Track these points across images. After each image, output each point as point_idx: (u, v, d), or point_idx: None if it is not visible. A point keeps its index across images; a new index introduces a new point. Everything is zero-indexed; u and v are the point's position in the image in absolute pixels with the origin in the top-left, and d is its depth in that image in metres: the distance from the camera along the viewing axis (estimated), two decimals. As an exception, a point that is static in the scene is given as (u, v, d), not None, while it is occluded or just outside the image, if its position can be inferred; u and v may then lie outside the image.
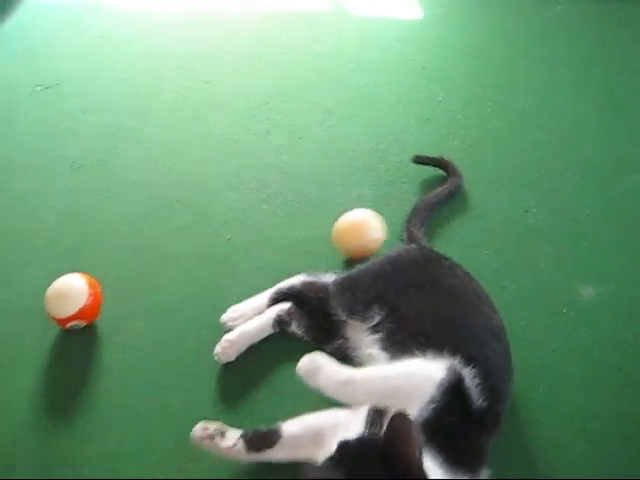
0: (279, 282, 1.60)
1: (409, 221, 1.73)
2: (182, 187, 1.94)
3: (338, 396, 1.23)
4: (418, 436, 1.07)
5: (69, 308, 1.51)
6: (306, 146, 2.07)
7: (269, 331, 1.54)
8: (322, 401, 1.28)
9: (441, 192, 1.82)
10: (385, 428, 1.09)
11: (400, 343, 1.33)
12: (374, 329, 1.40)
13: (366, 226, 1.67)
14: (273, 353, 1.52)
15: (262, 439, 1.31)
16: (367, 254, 1.64)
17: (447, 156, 1.94)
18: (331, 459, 1.13)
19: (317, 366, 1.24)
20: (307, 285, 1.55)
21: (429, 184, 1.90)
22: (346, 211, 1.71)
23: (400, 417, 1.07)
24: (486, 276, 1.52)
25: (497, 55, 2.47)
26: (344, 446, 1.14)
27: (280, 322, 1.53)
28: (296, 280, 1.58)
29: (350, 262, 1.64)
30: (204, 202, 1.90)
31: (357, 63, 2.41)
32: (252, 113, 2.20)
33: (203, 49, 2.51)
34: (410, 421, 1.06)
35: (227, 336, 1.50)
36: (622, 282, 1.70)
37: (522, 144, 2.08)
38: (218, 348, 1.49)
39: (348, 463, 1.12)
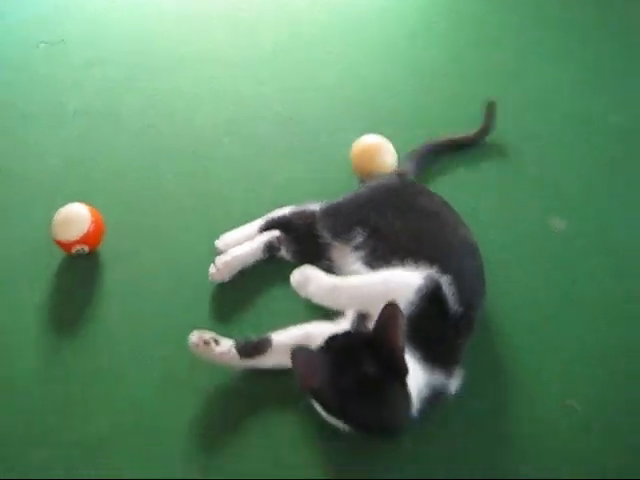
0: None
1: (408, 155, 1.84)
2: (182, 133, 2.05)
3: (326, 302, 1.36)
4: (404, 325, 1.19)
5: (74, 233, 1.62)
6: (304, 96, 2.19)
7: (259, 256, 1.64)
8: (309, 319, 1.41)
9: (458, 137, 1.94)
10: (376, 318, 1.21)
11: (381, 258, 1.44)
12: (357, 248, 1.51)
13: (379, 150, 1.82)
14: (263, 277, 1.62)
15: (254, 347, 1.42)
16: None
17: (432, 105, 2.05)
18: (319, 348, 1.25)
19: (307, 276, 1.37)
20: (296, 214, 1.66)
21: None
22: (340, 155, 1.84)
23: (392, 305, 1.20)
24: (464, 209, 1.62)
25: (473, 16, 2.66)
26: (332, 337, 1.26)
27: (270, 248, 1.64)
28: (285, 210, 1.69)
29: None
30: (202, 146, 2.00)
31: (353, 23, 2.57)
32: (249, 65, 2.33)
33: (209, 10, 2.65)
34: (400, 310, 1.18)
35: (221, 258, 1.60)
36: (593, 215, 1.81)
37: (501, 97, 2.19)
38: (212, 269, 1.59)
39: (335, 350, 1.24)
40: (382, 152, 1.82)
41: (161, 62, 2.36)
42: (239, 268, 1.62)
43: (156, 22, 2.59)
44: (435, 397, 1.29)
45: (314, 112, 2.13)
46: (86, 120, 2.10)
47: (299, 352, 1.22)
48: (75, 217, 1.63)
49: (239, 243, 1.65)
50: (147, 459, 1.30)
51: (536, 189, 1.87)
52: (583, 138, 2.06)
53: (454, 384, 1.32)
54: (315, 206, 1.65)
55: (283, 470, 1.28)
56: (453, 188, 1.79)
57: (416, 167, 1.83)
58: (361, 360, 1.22)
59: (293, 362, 1.20)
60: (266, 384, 1.40)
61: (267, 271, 1.64)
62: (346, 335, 1.29)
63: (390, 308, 1.20)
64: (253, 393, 1.40)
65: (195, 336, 1.41)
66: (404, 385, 1.22)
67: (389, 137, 1.85)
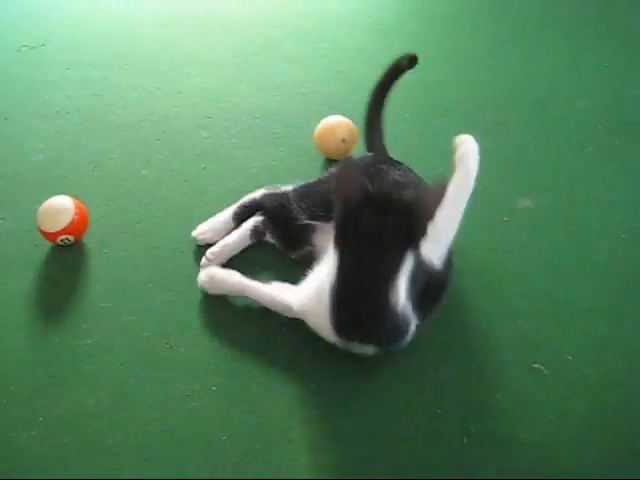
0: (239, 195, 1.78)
1: (367, 131, 1.87)
2: (160, 128, 2.12)
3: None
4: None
5: (58, 223, 1.68)
6: (272, 92, 2.27)
7: (247, 242, 1.70)
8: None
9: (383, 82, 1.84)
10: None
11: None
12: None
13: (339, 127, 1.94)
14: (251, 263, 1.69)
15: None
16: (342, 154, 1.90)
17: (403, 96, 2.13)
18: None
19: (212, 276, 1.57)
20: (267, 196, 1.73)
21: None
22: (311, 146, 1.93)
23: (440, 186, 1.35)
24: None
25: (443, 14, 2.74)
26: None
27: (256, 232, 1.70)
28: (256, 193, 1.75)
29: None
30: (180, 139, 2.07)
31: (321, 22, 2.64)
32: (224, 65, 2.41)
33: (182, 12, 2.74)
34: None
35: (211, 249, 1.66)
36: (557, 194, 1.89)
37: (469, 85, 2.28)
38: (204, 260, 1.65)
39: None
40: (342, 129, 1.92)
41: (140, 63, 2.43)
42: (229, 257, 1.68)
43: (135, 25, 2.67)
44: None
45: (288, 106, 2.21)
46: (68, 119, 2.15)
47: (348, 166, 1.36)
48: (59, 208, 1.69)
49: (215, 231, 1.71)
50: (131, 434, 1.35)
51: (506, 171, 1.95)
52: (552, 122, 2.15)
53: None
54: (288, 187, 1.71)
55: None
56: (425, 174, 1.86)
57: (378, 136, 1.86)
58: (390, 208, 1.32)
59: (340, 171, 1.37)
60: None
61: (255, 257, 1.70)
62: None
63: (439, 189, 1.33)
64: (238, 371, 1.47)
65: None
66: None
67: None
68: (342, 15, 2.74)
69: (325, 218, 1.58)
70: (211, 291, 1.59)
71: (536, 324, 1.56)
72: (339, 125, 1.94)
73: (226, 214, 1.74)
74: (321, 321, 1.40)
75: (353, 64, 2.38)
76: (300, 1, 2.79)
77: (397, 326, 1.37)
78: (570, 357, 1.49)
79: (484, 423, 1.38)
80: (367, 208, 1.32)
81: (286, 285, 1.53)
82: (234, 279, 1.57)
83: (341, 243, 1.35)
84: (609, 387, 1.44)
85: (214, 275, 1.59)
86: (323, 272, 1.42)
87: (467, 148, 1.42)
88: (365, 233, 1.32)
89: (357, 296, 1.34)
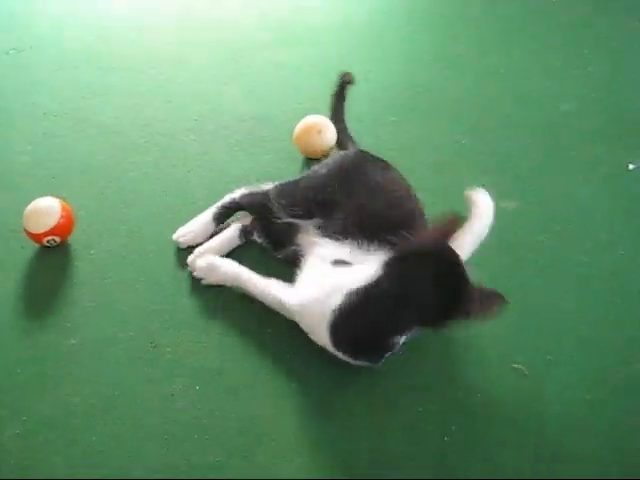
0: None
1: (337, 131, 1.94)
2: (147, 130, 2.13)
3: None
4: None
5: (44, 225, 1.68)
6: (259, 95, 2.29)
7: (237, 242, 1.71)
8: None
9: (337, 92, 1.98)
10: None
11: (340, 233, 1.53)
12: (319, 228, 1.59)
13: (318, 127, 1.96)
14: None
15: None
16: (320, 154, 1.93)
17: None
18: None
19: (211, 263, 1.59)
20: (246, 196, 1.74)
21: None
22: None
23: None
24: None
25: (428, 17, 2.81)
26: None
27: (245, 232, 1.71)
28: (235, 194, 1.76)
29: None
30: (167, 142, 2.08)
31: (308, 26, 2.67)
32: (211, 68, 2.42)
33: (170, 16, 2.76)
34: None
35: (199, 249, 1.67)
36: (541, 196, 1.92)
37: (453, 88, 2.31)
38: (191, 257, 1.65)
39: None
40: (321, 129, 1.95)
41: (128, 65, 2.44)
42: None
43: (123, 28, 2.67)
44: None
45: (274, 110, 2.22)
46: (55, 121, 2.16)
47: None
48: (45, 210, 1.70)
49: (195, 233, 1.72)
50: (116, 432, 1.36)
51: (489, 174, 1.97)
52: (535, 125, 2.17)
53: None
54: (268, 186, 1.71)
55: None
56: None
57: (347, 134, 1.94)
58: None
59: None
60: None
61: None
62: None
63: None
64: (222, 371, 1.48)
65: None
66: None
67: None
68: (329, 18, 2.76)
69: (305, 217, 1.60)
70: (206, 280, 1.61)
71: (517, 324, 1.57)
72: (316, 123, 1.97)
73: (206, 215, 1.74)
74: (318, 324, 1.41)
75: (339, 67, 2.38)
76: (286, 6, 2.79)
77: (391, 350, 1.41)
78: (551, 357, 1.51)
79: (465, 422, 1.39)
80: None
81: (282, 282, 1.54)
82: (232, 268, 1.59)
83: (397, 267, 1.35)
84: (589, 387, 1.46)
85: (212, 262, 1.60)
86: (337, 276, 1.43)
87: (483, 208, 1.49)
88: (419, 277, 1.33)
89: (375, 320, 1.36)
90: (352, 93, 1.97)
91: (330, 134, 1.96)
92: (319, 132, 1.95)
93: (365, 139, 1.95)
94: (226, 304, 1.60)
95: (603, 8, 2.89)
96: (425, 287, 1.31)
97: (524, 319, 1.58)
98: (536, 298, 1.64)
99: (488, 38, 2.66)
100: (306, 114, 2.04)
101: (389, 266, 1.35)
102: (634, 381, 1.48)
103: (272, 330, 1.54)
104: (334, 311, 1.37)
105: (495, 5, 2.88)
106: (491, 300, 1.33)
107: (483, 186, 1.85)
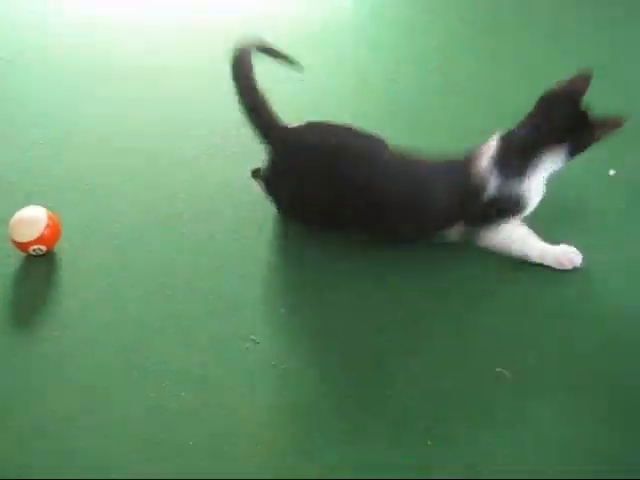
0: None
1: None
2: (135, 137, 2.15)
3: None
4: None
5: (30, 234, 1.70)
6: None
7: None
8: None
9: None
10: None
11: None
12: None
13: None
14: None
15: None
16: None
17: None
18: None
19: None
20: None
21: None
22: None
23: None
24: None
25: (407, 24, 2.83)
26: None
27: None
28: None
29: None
30: (154, 149, 2.11)
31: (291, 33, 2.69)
32: (197, 76, 2.45)
33: (153, 21, 2.79)
34: None
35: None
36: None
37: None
38: None
39: None
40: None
41: (113, 73, 2.46)
42: None
43: (107, 35, 2.70)
44: None
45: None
46: (42, 130, 2.17)
47: None
48: (31, 219, 1.71)
49: None
50: (102, 439, 1.37)
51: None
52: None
53: None
54: None
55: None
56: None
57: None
58: None
59: None
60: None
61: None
62: None
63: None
64: (206, 377, 1.49)
65: None
66: None
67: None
68: (313, 26, 2.79)
69: None
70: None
71: (499, 328, 1.59)
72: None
73: None
74: None
75: (322, 75, 2.41)
76: (271, 14, 2.83)
77: None
78: (533, 361, 1.52)
79: (447, 426, 1.40)
80: None
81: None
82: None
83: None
84: (571, 391, 1.47)
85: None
86: None
87: None
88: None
89: None
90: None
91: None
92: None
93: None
94: (214, 310, 1.62)
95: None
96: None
97: (506, 323, 1.61)
98: (518, 302, 1.66)
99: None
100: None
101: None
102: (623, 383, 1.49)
103: (256, 337, 1.56)
104: None
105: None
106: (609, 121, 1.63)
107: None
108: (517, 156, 1.67)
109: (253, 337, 1.56)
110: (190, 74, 2.46)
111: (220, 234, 1.82)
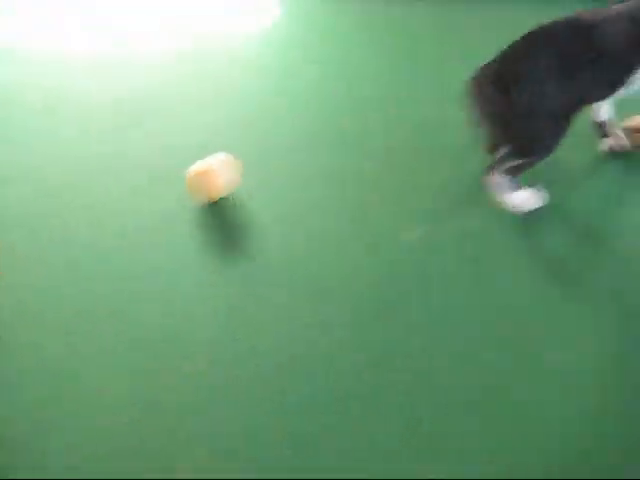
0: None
1: None
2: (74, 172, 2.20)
3: None
4: None
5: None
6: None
7: None
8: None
9: None
10: None
11: None
12: None
13: (207, 177, 1.89)
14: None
15: None
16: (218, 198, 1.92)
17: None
18: None
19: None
20: None
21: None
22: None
23: None
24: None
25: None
26: None
27: None
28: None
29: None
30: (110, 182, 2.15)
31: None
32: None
33: (113, 58, 2.81)
34: None
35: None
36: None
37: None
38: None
39: None
40: (211, 179, 1.88)
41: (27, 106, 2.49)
42: None
43: (53, 65, 2.74)
44: None
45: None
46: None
47: None
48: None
49: None
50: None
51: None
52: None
53: None
54: None
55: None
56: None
57: None
58: None
59: None
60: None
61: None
62: None
63: None
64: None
65: None
66: None
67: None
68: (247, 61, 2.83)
69: None
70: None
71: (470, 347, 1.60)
72: (207, 178, 1.90)
73: None
74: None
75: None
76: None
77: None
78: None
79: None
80: None
81: None
82: None
83: None
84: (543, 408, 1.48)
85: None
86: None
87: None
88: None
89: None
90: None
91: (222, 181, 1.89)
92: (208, 183, 1.89)
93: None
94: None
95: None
96: None
97: (476, 341, 1.62)
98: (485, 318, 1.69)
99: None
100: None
101: None
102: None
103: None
104: None
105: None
106: None
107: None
108: None
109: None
110: (110, 108, 2.48)
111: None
